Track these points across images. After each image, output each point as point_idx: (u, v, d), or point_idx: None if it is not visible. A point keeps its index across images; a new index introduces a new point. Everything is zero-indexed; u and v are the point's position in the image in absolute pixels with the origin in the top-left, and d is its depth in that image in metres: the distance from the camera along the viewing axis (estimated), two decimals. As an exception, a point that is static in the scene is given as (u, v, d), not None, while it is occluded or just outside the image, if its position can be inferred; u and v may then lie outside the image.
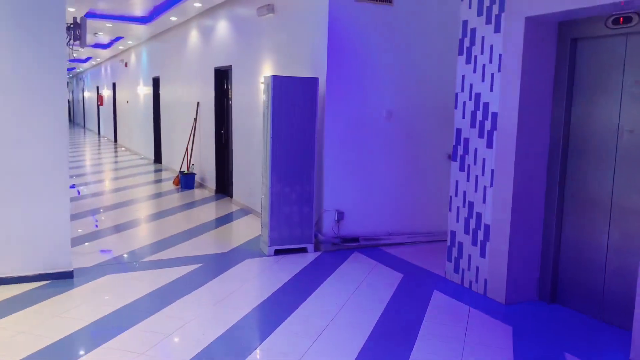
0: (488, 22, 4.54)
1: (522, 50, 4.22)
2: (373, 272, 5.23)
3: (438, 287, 4.86)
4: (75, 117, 36.75)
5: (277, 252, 5.74)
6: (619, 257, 4.01)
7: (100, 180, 11.20)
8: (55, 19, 4.62)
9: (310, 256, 5.71)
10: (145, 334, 3.74)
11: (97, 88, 24.18)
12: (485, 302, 4.51)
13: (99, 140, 21.88)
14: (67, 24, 5.54)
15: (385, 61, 6.04)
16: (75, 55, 18.68)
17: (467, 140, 4.81)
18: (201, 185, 10.22)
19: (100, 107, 23.44)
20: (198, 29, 10.13)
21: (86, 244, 6.05)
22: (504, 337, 3.83)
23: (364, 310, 4.25)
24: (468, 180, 4.81)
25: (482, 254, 4.66)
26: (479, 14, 4.63)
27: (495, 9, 4.46)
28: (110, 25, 11.79)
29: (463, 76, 4.84)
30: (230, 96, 8.91)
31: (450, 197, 5.04)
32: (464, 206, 4.87)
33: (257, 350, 3.56)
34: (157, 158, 13.91)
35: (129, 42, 15.20)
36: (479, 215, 4.70)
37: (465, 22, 4.80)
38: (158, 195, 9.44)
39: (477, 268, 4.72)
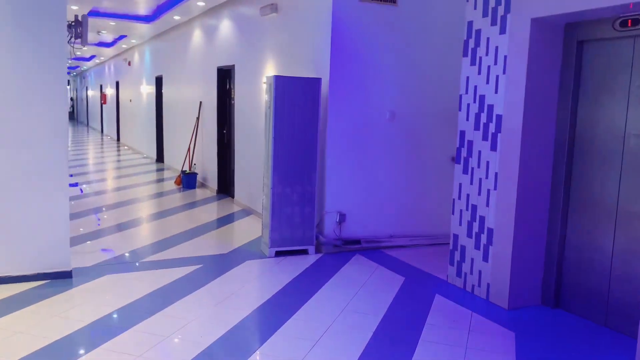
0: (493, 23, 4.49)
1: (527, 52, 4.17)
2: (374, 275, 5.18)
3: (440, 291, 4.81)
4: (78, 116, 36.81)
5: (278, 254, 5.69)
6: (624, 262, 3.96)
7: (102, 179, 11.18)
8: (56, 16, 4.59)
9: (311, 258, 5.67)
10: (144, 335, 3.70)
11: (101, 86, 24.20)
12: (487, 306, 4.45)
13: (102, 138, 21.88)
14: (68, 22, 5.51)
15: (388, 62, 5.99)
16: (78, 53, 18.71)
17: (470, 143, 4.76)
18: (203, 185, 10.19)
19: (104, 105, 23.45)
20: (201, 28, 10.10)
21: (87, 242, 6.02)
22: (507, 343, 3.77)
23: (364, 314, 4.20)
24: (471, 183, 4.76)
25: (485, 258, 4.61)
26: (484, 15, 4.58)
27: (500, 10, 4.41)
28: (114, 23, 11.77)
29: (467, 78, 4.79)
30: (232, 96, 8.88)
31: (453, 199, 4.99)
32: (467, 209, 4.82)
33: (257, 353, 3.51)
34: (160, 157, 13.89)
35: (133, 41, 15.20)
36: (482, 219, 4.65)
37: (470, 23, 4.75)
38: (159, 194, 9.41)
39: (480, 272, 4.67)
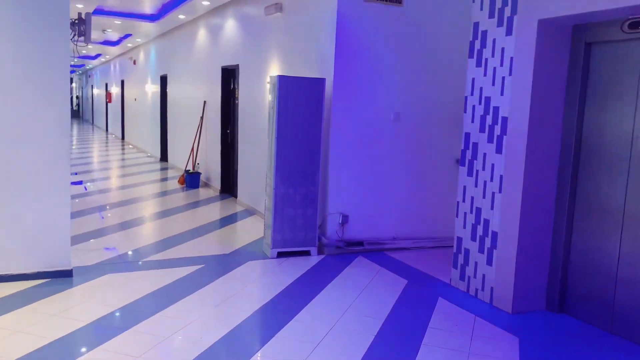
0: (500, 24, 4.44)
1: (534, 54, 4.12)
2: (377, 277, 5.13)
3: (443, 294, 4.76)
4: (84, 114, 36.90)
5: (280, 255, 5.66)
6: (630, 267, 3.90)
7: (106, 177, 11.19)
8: (59, 14, 4.56)
9: (314, 259, 5.63)
10: (144, 335, 3.67)
11: (106, 85, 24.24)
12: (491, 311, 4.40)
13: (107, 137, 21.92)
14: (71, 19, 5.49)
15: (393, 62, 5.94)
16: (84, 52, 18.74)
17: (475, 145, 4.71)
18: (206, 185, 10.17)
19: (109, 104, 23.49)
20: (206, 28, 10.08)
21: (91, 240, 6.00)
22: (510, 348, 3.72)
23: (366, 317, 4.16)
24: (476, 185, 4.71)
25: (489, 262, 4.56)
26: (491, 15, 4.53)
27: (507, 11, 4.36)
28: (119, 22, 11.78)
29: (473, 79, 4.74)
30: (236, 96, 8.85)
31: (458, 202, 4.94)
32: (471, 212, 4.77)
33: (258, 355, 3.48)
34: (164, 156, 13.89)
35: (138, 40, 15.21)
36: (486, 222, 4.60)
37: (476, 24, 4.70)
38: (163, 193, 9.40)
39: (484, 276, 4.62)
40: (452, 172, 6.20)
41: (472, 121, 4.74)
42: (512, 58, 4.32)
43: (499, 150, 4.46)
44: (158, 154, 14.26)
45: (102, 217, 7.15)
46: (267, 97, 7.07)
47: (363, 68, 5.81)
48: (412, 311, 4.33)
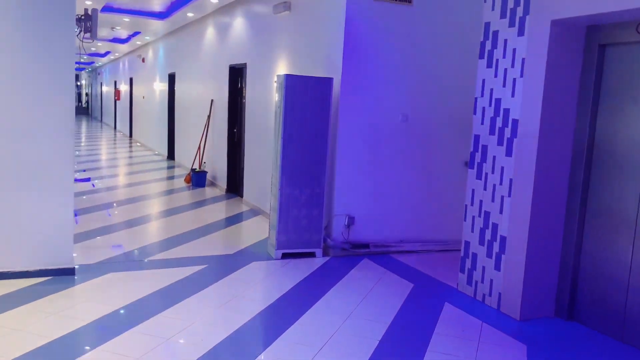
0: (511, 24, 4.35)
1: (546, 55, 4.03)
2: (382, 280, 5.06)
3: (449, 299, 4.67)
4: (92, 111, 37.05)
5: (285, 256, 5.59)
6: (643, 275, 3.80)
7: (114, 175, 11.18)
8: (65, 9, 4.52)
9: (318, 261, 5.56)
10: (145, 336, 3.62)
11: (115, 83, 24.30)
12: (498, 317, 4.31)
13: (115, 134, 21.97)
14: (77, 15, 5.45)
15: (402, 62, 5.86)
16: (93, 49, 18.78)
17: (485, 147, 4.63)
18: (212, 184, 10.13)
19: (117, 102, 23.54)
20: (214, 26, 10.04)
21: (97, 238, 5.96)
22: (517, 356, 3.64)
23: (371, 321, 4.08)
24: (485, 189, 4.62)
25: (497, 267, 4.47)
26: (502, 16, 4.44)
27: (519, 11, 4.27)
28: (128, 19, 11.77)
29: (483, 80, 4.65)
30: (244, 94, 8.80)
31: (466, 205, 4.85)
32: (479, 216, 4.68)
33: (260, 358, 3.41)
34: (171, 155, 13.88)
35: (147, 38, 15.21)
36: (495, 226, 4.51)
37: (487, 24, 4.62)
38: (169, 192, 9.38)
39: (491, 281, 4.53)
40: (460, 174, 6.11)
41: (482, 123, 4.66)
42: (523, 59, 4.23)
43: (509, 153, 4.37)
44: (165, 152, 14.25)
45: (109, 215, 7.13)
46: (274, 96, 7.02)
47: (371, 68, 5.74)
48: (418, 316, 4.25)
